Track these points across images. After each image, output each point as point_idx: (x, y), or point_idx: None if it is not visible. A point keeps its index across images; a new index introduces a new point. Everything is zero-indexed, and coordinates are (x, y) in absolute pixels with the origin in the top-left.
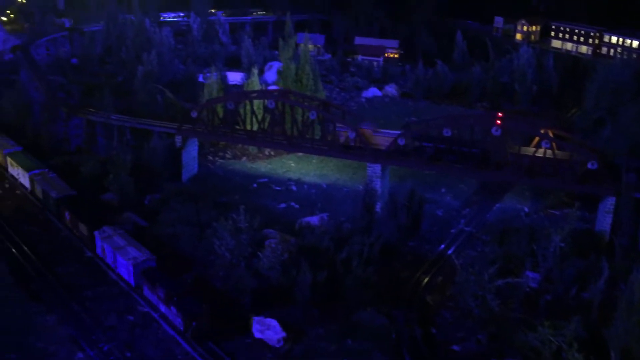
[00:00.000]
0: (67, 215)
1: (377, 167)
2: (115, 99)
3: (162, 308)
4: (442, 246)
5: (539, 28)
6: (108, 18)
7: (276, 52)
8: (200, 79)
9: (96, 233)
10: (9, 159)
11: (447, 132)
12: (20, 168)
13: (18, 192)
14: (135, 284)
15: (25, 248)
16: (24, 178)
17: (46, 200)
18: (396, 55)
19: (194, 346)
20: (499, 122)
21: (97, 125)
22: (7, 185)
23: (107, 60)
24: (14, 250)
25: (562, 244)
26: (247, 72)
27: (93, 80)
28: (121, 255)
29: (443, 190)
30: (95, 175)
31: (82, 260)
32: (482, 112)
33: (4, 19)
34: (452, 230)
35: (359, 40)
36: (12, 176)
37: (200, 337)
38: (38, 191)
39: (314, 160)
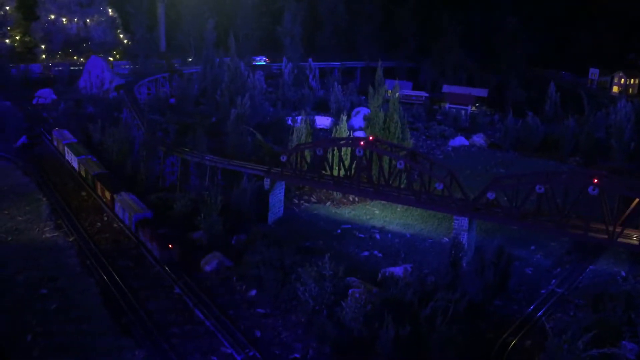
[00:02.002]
0: (98, 185)
1: (465, 221)
2: (209, 139)
3: (148, 245)
4: (531, 307)
5: (637, 81)
6: (205, 61)
7: (363, 97)
8: (289, 122)
9: (115, 196)
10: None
11: (539, 189)
12: (127, 209)
13: (115, 225)
14: (134, 230)
15: (119, 281)
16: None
17: (87, 176)
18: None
19: None
20: (596, 180)
21: (191, 164)
22: (105, 219)
23: (202, 101)
24: (108, 282)
25: None
26: (335, 117)
27: (188, 120)
28: (127, 210)
29: (533, 247)
30: (187, 212)
31: (172, 297)
32: (578, 169)
33: (111, 59)
34: (542, 291)
35: (446, 88)
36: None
37: (171, 263)
38: (82, 170)
39: (398, 209)
